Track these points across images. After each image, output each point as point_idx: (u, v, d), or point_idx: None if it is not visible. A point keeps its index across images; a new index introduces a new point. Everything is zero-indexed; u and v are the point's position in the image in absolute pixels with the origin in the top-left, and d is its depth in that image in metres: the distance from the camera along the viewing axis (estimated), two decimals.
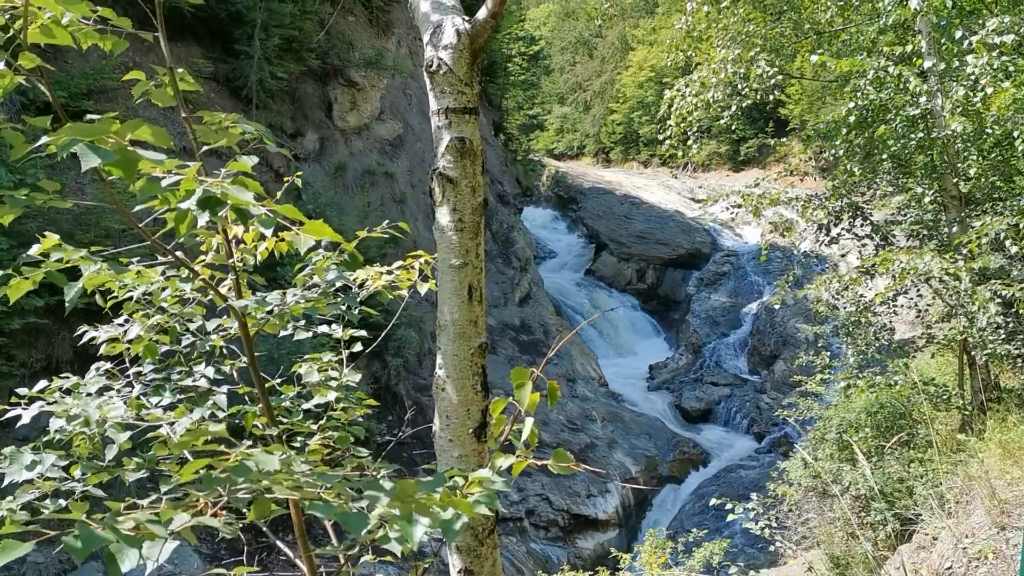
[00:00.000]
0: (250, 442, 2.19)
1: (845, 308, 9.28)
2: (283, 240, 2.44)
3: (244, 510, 1.92)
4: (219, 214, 1.89)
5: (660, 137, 10.11)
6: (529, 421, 2.13)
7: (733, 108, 9.48)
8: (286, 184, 2.88)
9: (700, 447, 24.28)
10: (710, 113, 9.99)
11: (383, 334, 3.31)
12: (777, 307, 11.62)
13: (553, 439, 22.37)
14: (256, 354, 2.61)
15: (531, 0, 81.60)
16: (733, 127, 10.14)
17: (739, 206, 9.28)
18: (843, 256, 10.62)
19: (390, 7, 27.64)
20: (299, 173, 3.18)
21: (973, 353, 8.82)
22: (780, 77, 9.21)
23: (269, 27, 20.12)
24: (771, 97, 9.53)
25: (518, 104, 52.07)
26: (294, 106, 23.02)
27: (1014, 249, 7.76)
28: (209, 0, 18.10)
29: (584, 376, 26.86)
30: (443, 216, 2.47)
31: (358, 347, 3.15)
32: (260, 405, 2.62)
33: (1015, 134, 7.87)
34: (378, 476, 2.27)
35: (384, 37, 27.60)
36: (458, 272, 2.47)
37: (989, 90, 8.18)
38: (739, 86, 9.13)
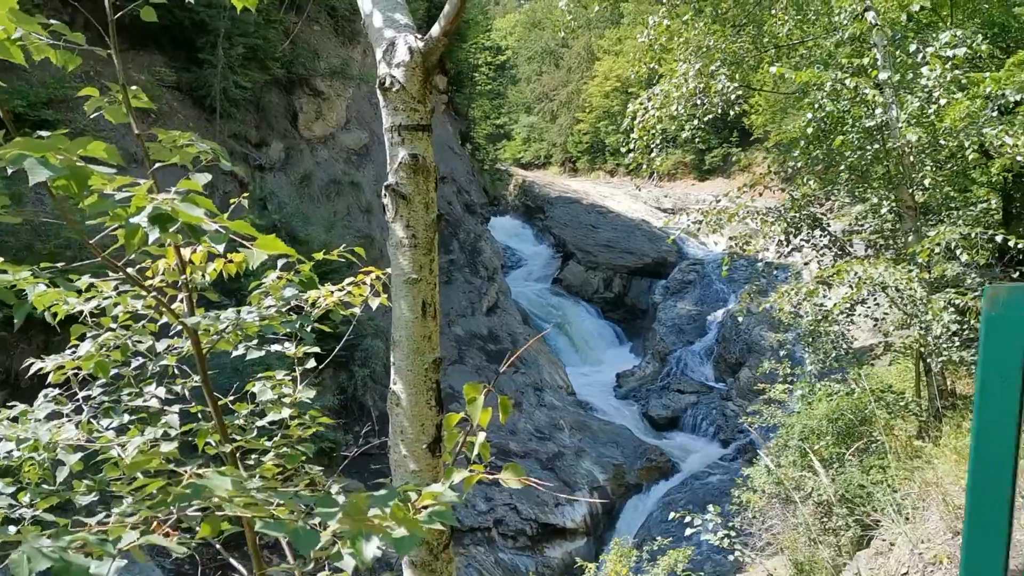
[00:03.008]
0: (202, 461, 2.18)
1: (806, 317, 9.41)
2: (231, 262, 2.45)
3: (196, 527, 1.92)
4: (170, 231, 1.90)
5: (623, 150, 10.19)
6: (481, 435, 2.15)
7: (696, 121, 9.59)
8: (233, 205, 2.87)
9: (667, 455, 24.39)
10: (674, 125, 10.09)
11: (336, 348, 3.30)
12: (741, 319, 11.74)
13: (521, 448, 22.38)
14: (216, 369, 2.61)
15: (498, 10, 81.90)
16: (696, 139, 10.24)
17: (699, 223, 9.39)
18: (806, 264, 10.77)
19: (356, 17, 27.59)
20: (246, 194, 3.18)
21: (929, 360, 8.97)
22: (740, 91, 9.33)
23: (233, 36, 20.01)
24: (733, 110, 9.65)
25: (485, 114, 52.22)
26: (259, 115, 22.90)
27: (964, 258, 7.91)
28: (172, 9, 17.94)
29: (552, 385, 26.91)
30: (397, 232, 2.49)
31: (311, 363, 3.15)
32: (213, 423, 2.61)
33: (966, 144, 8.04)
34: (331, 492, 2.27)
35: (350, 46, 27.55)
36: (412, 288, 2.48)
37: (943, 101, 8.36)
38: (699, 100, 9.24)
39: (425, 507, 2.07)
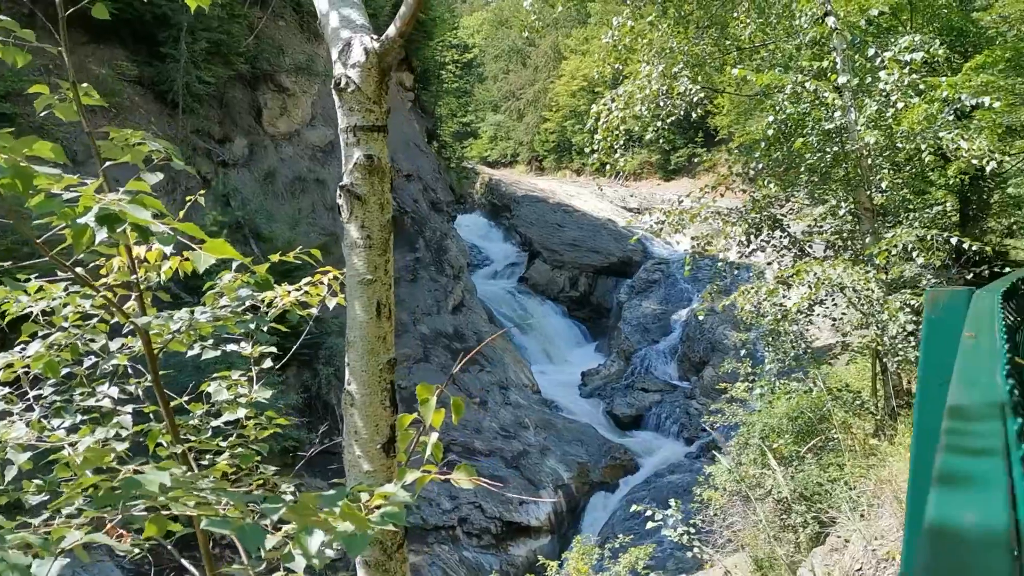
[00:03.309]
0: (158, 464, 2.17)
1: (767, 317, 9.52)
2: (188, 260, 2.43)
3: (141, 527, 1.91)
4: (117, 231, 1.88)
5: (587, 150, 10.24)
6: (433, 436, 2.16)
7: (659, 123, 9.67)
8: (189, 202, 2.85)
9: (631, 453, 24.54)
10: (638, 126, 10.17)
11: (295, 346, 3.29)
12: (701, 318, 11.86)
13: (486, 447, 22.39)
14: (177, 368, 2.59)
15: (465, 8, 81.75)
16: (659, 140, 10.31)
17: (662, 223, 9.46)
18: (769, 264, 10.90)
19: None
20: (203, 192, 3.15)
21: (885, 360, 9.12)
22: (703, 93, 9.41)
23: (196, 30, 19.77)
24: (696, 111, 9.73)
25: (452, 112, 52.13)
26: (222, 111, 22.65)
27: (921, 259, 8.06)
28: (133, 2, 17.70)
29: (517, 384, 26.95)
30: (351, 233, 2.48)
31: (269, 363, 3.13)
32: (165, 423, 2.59)
33: (923, 147, 8.19)
34: (282, 491, 2.27)
35: (315, 42, 27.34)
36: (367, 288, 2.48)
37: (900, 105, 8.50)
38: (662, 101, 9.31)
39: (378, 507, 2.08)
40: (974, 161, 8.34)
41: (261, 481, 2.78)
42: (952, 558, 0.49)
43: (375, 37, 2.51)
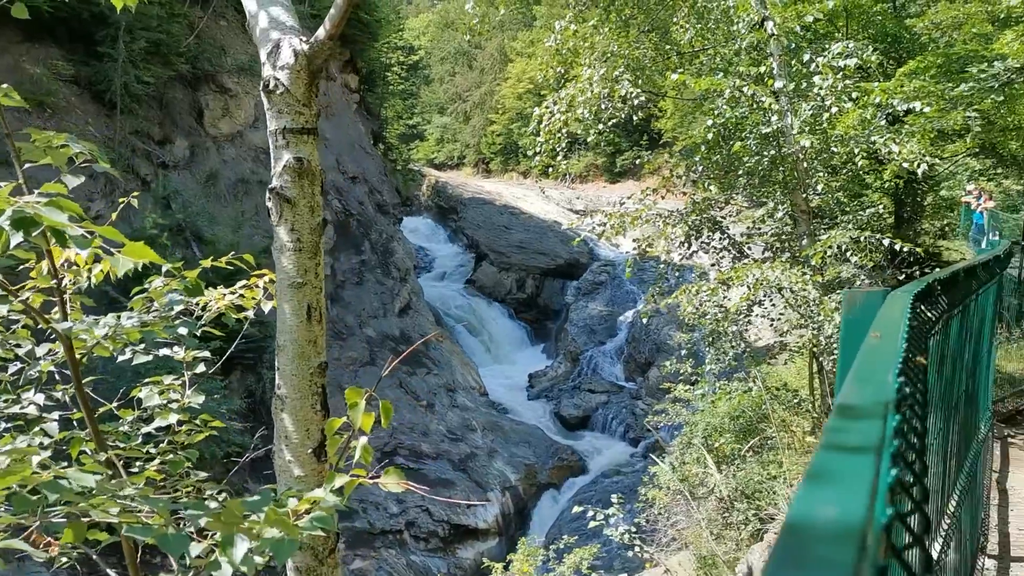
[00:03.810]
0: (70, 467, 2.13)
1: (707, 317, 9.66)
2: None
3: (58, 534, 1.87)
4: (34, 235, 1.85)
5: (530, 152, 10.29)
6: (362, 439, 2.15)
7: (601, 126, 9.75)
8: (122, 204, 2.80)
9: (578, 454, 24.69)
10: (581, 128, 10.24)
11: (229, 350, 3.25)
12: (644, 321, 11.99)
13: (433, 450, 22.33)
14: (115, 375, 2.54)
15: (410, 9, 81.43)
16: (601, 143, 10.40)
17: (603, 225, 9.54)
18: (713, 266, 11.05)
19: None
20: (135, 194, 3.10)
21: (821, 359, 9.32)
22: (644, 96, 9.52)
23: (135, 29, 19.40)
24: (637, 115, 9.83)
25: (398, 114, 51.93)
26: (162, 112, 22.27)
27: (855, 260, 8.24)
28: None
29: (465, 386, 26.93)
30: (281, 236, 2.47)
31: (202, 367, 3.09)
32: (88, 430, 2.54)
33: (856, 151, 8.38)
34: (206, 498, 2.24)
35: None
36: (297, 292, 2.47)
37: (835, 109, 8.69)
38: (604, 105, 9.40)
39: (308, 512, 2.07)
40: (905, 165, 8.56)
41: (191, 487, 2.74)
42: (797, 552, 0.51)
43: (305, 39, 2.50)
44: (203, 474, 2.82)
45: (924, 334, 1.94)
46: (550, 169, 10.68)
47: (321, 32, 2.46)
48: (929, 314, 2.20)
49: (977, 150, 18.54)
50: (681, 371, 11.55)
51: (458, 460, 22.24)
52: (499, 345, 33.43)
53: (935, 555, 3.23)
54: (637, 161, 50.21)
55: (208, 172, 22.77)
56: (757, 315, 9.68)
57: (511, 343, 34.16)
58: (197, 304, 3.03)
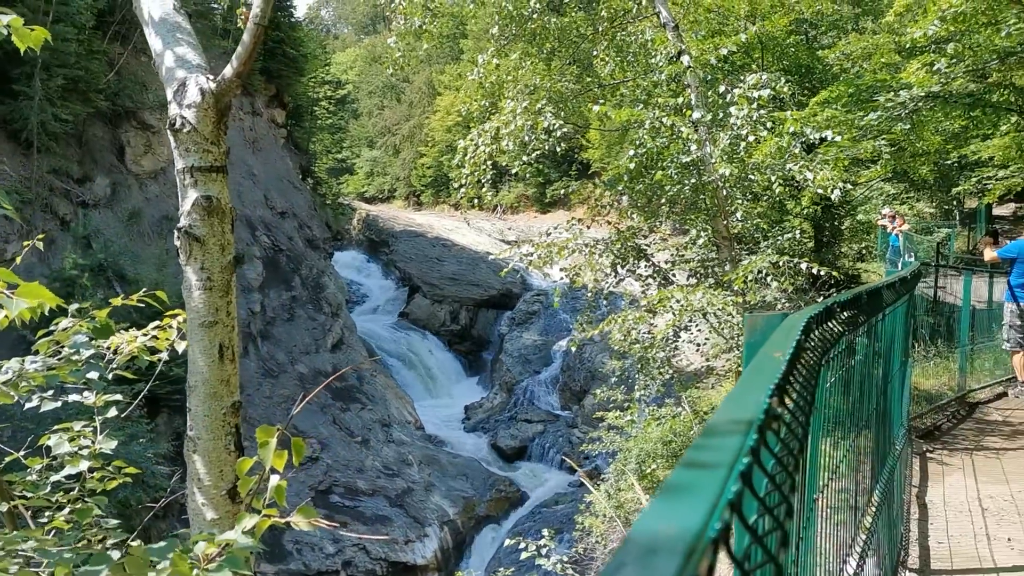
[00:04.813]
0: None
1: (636, 344, 9.78)
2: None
3: None
4: None
5: (456, 185, 10.36)
6: (274, 478, 2.13)
7: (525, 158, 9.87)
8: (26, 247, 2.74)
9: (516, 485, 24.62)
10: (504, 161, 10.36)
11: (141, 394, 3.19)
12: (574, 350, 12.09)
13: (369, 486, 22.04)
14: (34, 420, 2.46)
15: (337, 44, 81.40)
16: (530, 174, 10.54)
17: (531, 255, 9.63)
18: (643, 293, 11.21)
19: None
20: (41, 236, 3.03)
21: None
22: (566, 128, 9.68)
23: (52, 67, 18.99)
24: (560, 146, 9.97)
25: (326, 148, 51.64)
26: (82, 149, 21.78)
27: (774, 284, 8.46)
28: None
29: (400, 420, 26.68)
30: (190, 275, 2.44)
31: (113, 412, 3.02)
32: None
33: (772, 179, 8.63)
34: (107, 548, 2.19)
35: None
36: (208, 331, 2.44)
37: (751, 138, 8.96)
38: (527, 137, 9.52)
39: (220, 555, 2.04)
40: (820, 191, 8.84)
41: (102, 536, 2.66)
42: (627, 564, 0.54)
43: (211, 77, 2.50)
44: (113, 521, 2.74)
45: (821, 354, 2.01)
46: (477, 200, 10.76)
47: (228, 70, 2.46)
48: (828, 335, 2.28)
49: (890, 175, 19.29)
50: (613, 398, 11.65)
51: (395, 496, 21.98)
52: (434, 378, 33.26)
53: (851, 570, 3.32)
54: (566, 191, 50.79)
55: (130, 210, 22.30)
56: (684, 341, 9.85)
57: (446, 375, 34.01)
58: (109, 347, 2.97)
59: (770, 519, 0.89)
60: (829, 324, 2.36)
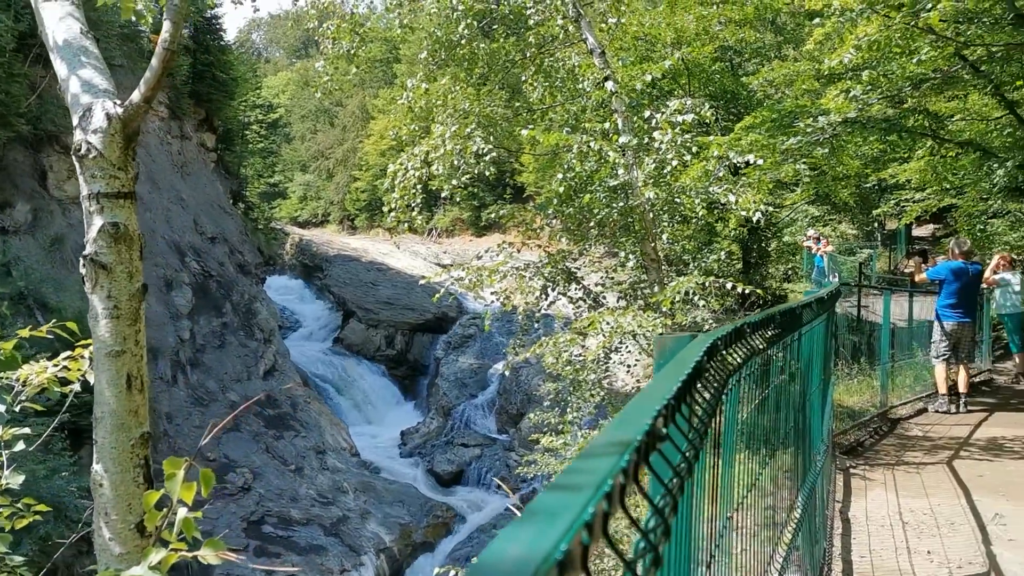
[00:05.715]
0: None
1: (568, 367, 9.83)
2: None
3: None
4: None
5: (385, 209, 10.35)
6: (182, 511, 2.08)
7: (455, 181, 9.90)
8: None
9: (454, 510, 24.45)
10: (435, 184, 10.37)
11: (51, 427, 3.09)
12: (508, 374, 12.12)
13: (303, 515, 21.65)
14: None
15: (268, 68, 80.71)
16: (463, 197, 10.58)
17: (462, 279, 9.65)
18: (576, 315, 11.28)
19: (110, 70, 26.19)
20: None
21: None
22: (496, 152, 9.74)
23: None
24: (490, 170, 10.03)
25: (258, 172, 51.08)
26: (1, 175, 21.15)
27: (702, 304, 8.61)
28: None
29: (335, 447, 26.31)
30: (96, 304, 2.39)
31: (20, 445, 2.92)
32: None
33: (696, 202, 8.81)
34: None
35: None
36: (115, 361, 2.39)
37: (676, 162, 9.13)
38: (456, 161, 9.56)
39: None
40: (743, 213, 9.04)
41: (7, 573, 2.57)
42: None
43: (118, 102, 2.45)
44: (19, 558, 2.65)
45: (727, 374, 2.05)
46: (408, 224, 10.75)
47: (136, 95, 2.42)
48: (741, 354, 2.32)
49: (813, 198, 19.84)
50: (547, 421, 11.68)
51: (330, 524, 21.63)
52: (370, 403, 32.93)
53: None
54: (497, 217, 51.02)
55: (53, 236, 21.69)
56: (615, 362, 9.93)
57: (382, 401, 33.71)
58: (17, 379, 2.89)
59: (644, 541, 0.90)
60: (739, 344, 2.40)
